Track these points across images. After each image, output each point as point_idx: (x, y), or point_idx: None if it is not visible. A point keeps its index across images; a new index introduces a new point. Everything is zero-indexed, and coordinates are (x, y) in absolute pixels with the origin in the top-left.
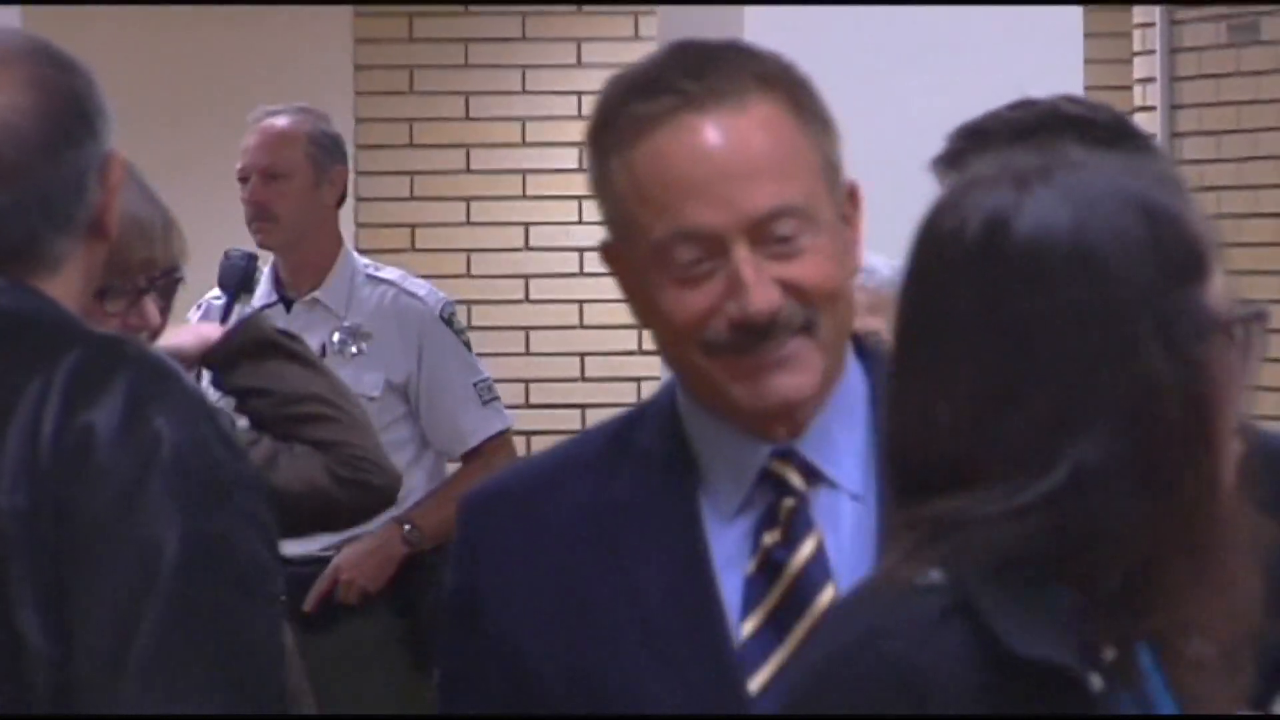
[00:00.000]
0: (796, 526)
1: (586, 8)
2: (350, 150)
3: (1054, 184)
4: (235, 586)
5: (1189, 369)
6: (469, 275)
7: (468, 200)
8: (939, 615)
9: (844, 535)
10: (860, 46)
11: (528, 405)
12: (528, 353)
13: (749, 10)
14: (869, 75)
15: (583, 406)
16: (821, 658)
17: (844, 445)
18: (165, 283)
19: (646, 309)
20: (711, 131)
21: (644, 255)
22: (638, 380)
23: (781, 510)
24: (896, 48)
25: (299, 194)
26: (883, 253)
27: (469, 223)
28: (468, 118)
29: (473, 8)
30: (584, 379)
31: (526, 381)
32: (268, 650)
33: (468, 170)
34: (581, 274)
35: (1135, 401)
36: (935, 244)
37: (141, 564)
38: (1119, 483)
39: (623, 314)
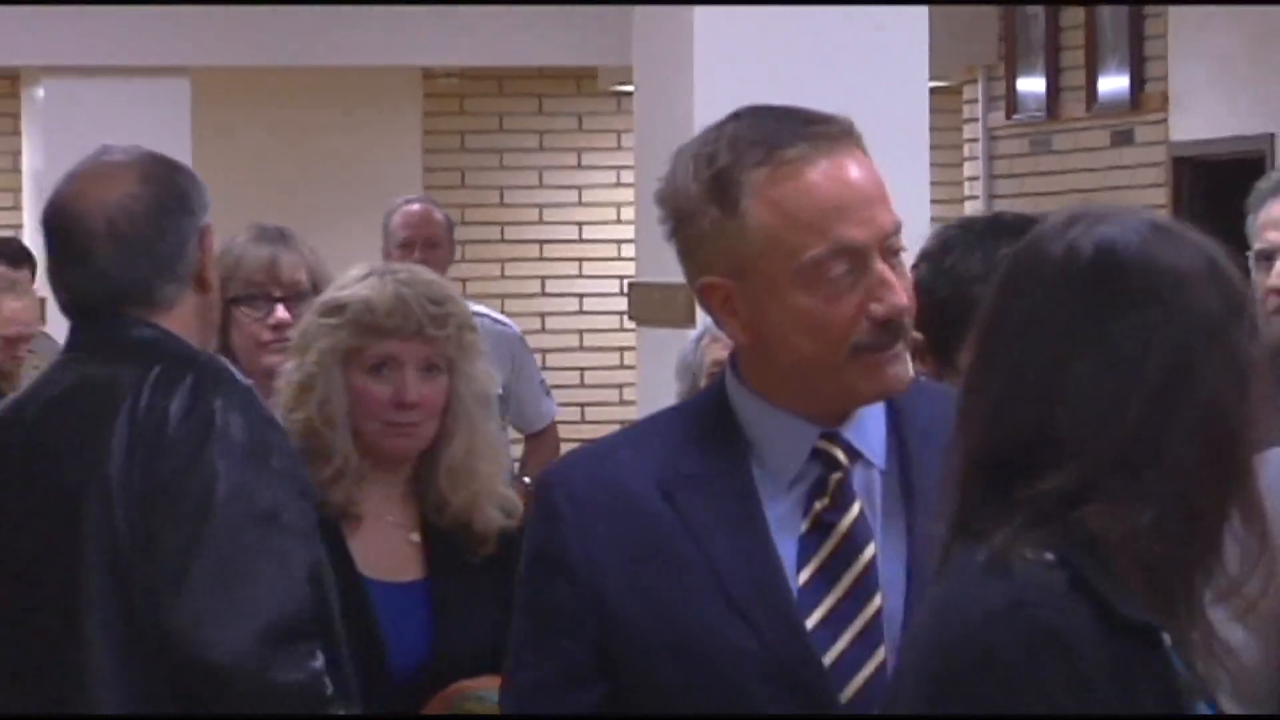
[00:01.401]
0: (844, 495)
1: (624, 105)
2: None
3: (1134, 223)
4: (265, 521)
5: (1241, 389)
6: (543, 294)
7: (540, 243)
8: (1068, 587)
9: (876, 502)
10: None
11: (582, 421)
12: (581, 348)
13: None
14: None
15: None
16: (966, 625)
17: (872, 429)
18: (294, 296)
19: (783, 324)
20: (848, 166)
21: (787, 277)
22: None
23: (831, 482)
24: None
25: (444, 255)
26: None
27: (541, 258)
28: (542, 184)
29: (546, 106)
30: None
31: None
32: (289, 565)
33: (540, 222)
34: (620, 294)
35: (1201, 416)
36: (1040, 268)
37: (196, 507)
38: (1186, 484)
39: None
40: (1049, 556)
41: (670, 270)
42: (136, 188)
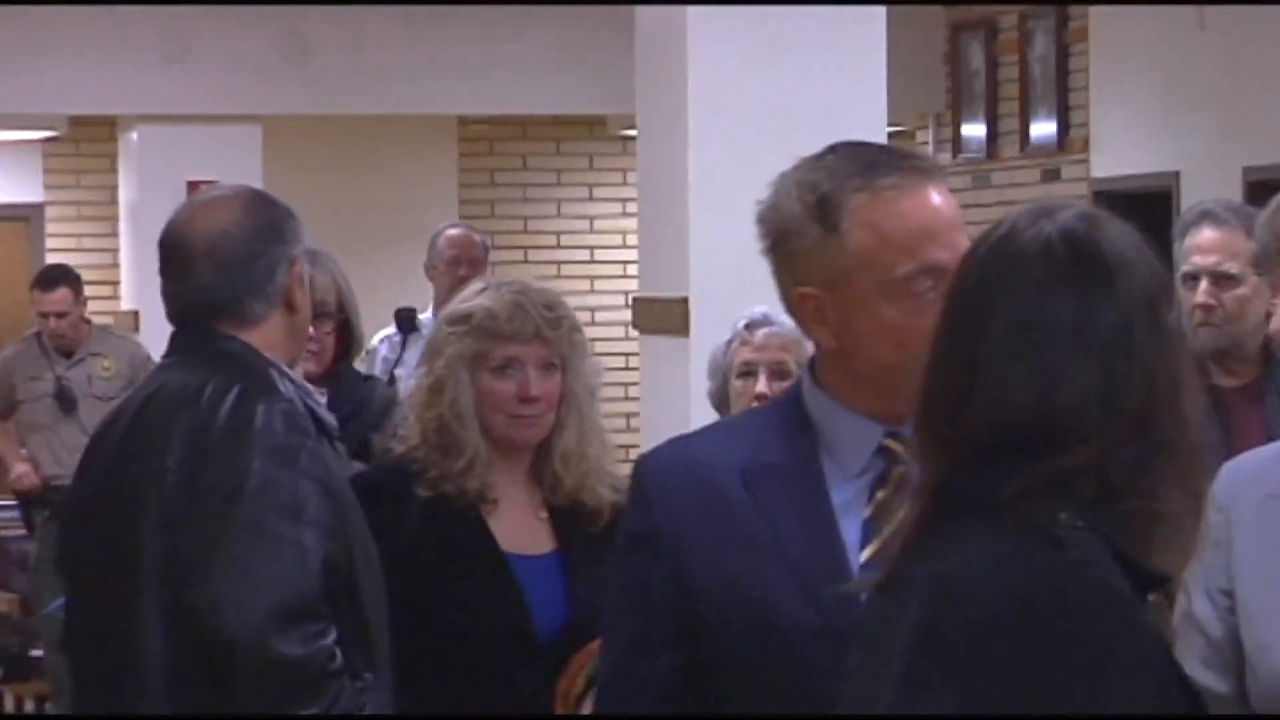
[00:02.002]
0: (904, 487)
1: (628, 148)
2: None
3: (1090, 216)
4: (288, 514)
5: (1179, 355)
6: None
7: (557, 264)
8: (1104, 546)
9: None
10: None
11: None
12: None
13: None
14: None
15: None
16: (1022, 591)
17: None
18: (320, 315)
19: (870, 332)
20: (936, 196)
21: (877, 291)
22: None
23: (894, 474)
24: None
25: (481, 272)
26: None
27: (558, 276)
28: (559, 214)
29: (562, 148)
30: None
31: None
32: (304, 553)
33: (558, 246)
34: (625, 307)
35: (1144, 382)
36: (1018, 258)
37: (228, 495)
38: (1148, 436)
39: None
40: (1079, 522)
41: (666, 287)
42: (238, 216)
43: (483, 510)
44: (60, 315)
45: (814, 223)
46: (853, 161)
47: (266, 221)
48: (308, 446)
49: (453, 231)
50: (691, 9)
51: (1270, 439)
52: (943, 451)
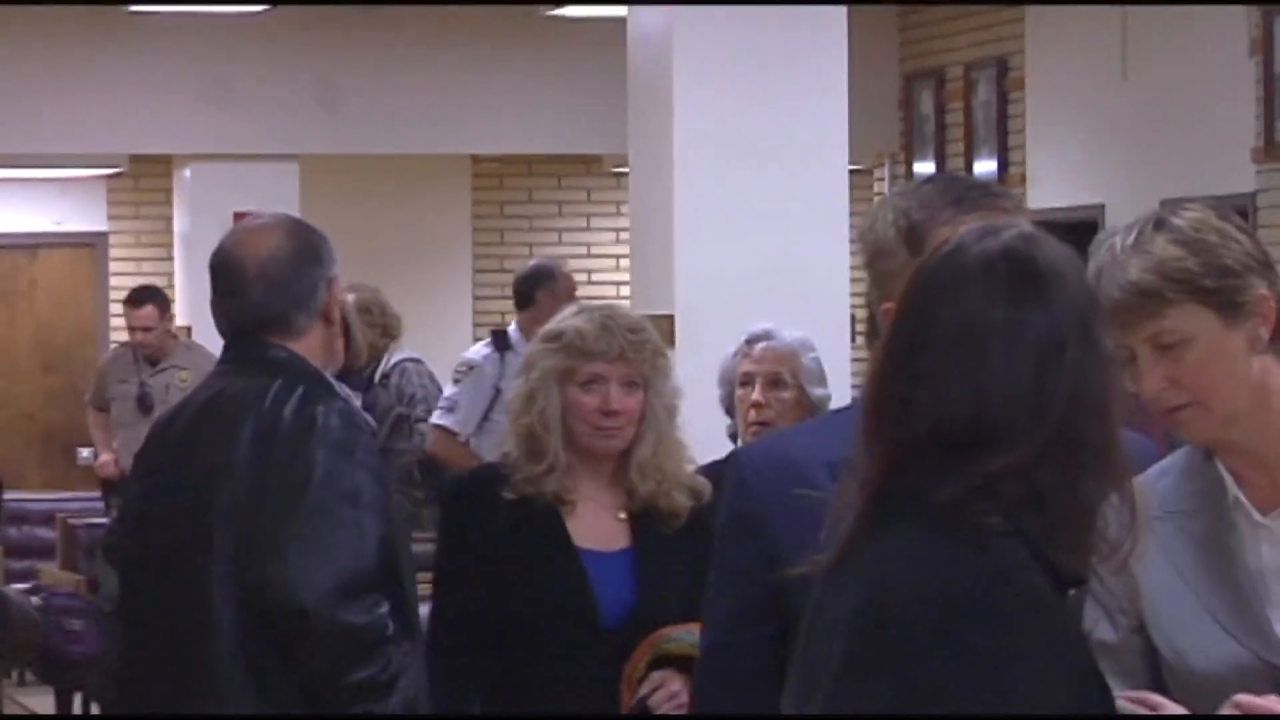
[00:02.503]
0: None
1: (621, 183)
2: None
3: (1030, 235)
4: (348, 499)
5: (1110, 370)
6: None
7: None
8: (1030, 552)
9: None
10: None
11: None
12: None
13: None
14: None
15: None
16: (949, 593)
17: None
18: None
19: None
20: None
21: None
22: None
23: None
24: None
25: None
26: None
27: None
28: (560, 242)
29: (563, 183)
30: None
31: None
32: (364, 534)
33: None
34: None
35: (1073, 391)
36: (961, 273)
37: (295, 486)
38: (1091, 454)
39: None
40: (1005, 525)
41: (655, 305)
42: (282, 241)
43: (561, 510)
44: (146, 329)
45: (903, 246)
46: (945, 194)
47: (307, 245)
48: (362, 440)
49: (566, 270)
50: (676, 63)
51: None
52: (884, 452)
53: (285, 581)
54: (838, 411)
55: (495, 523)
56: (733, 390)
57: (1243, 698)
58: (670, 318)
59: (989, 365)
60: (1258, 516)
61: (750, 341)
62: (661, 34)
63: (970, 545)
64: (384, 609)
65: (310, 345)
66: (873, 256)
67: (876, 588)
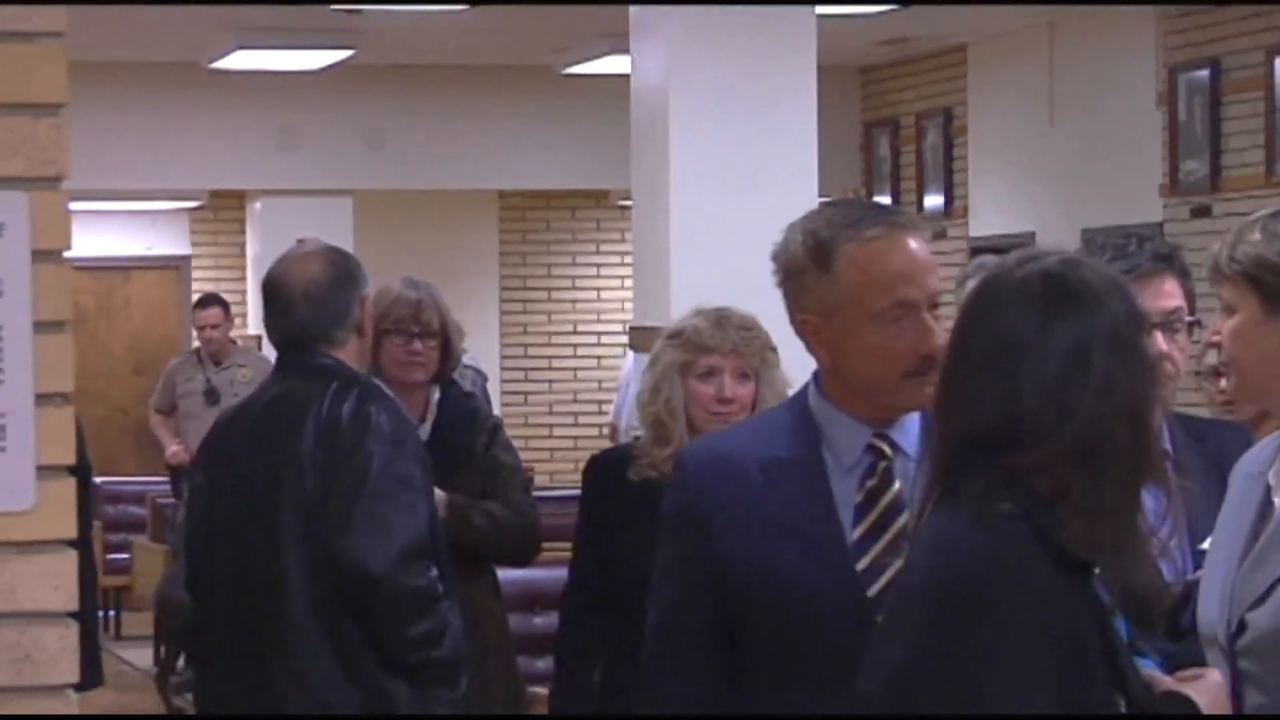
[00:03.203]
0: (888, 478)
1: (625, 214)
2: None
3: (1070, 259)
4: (402, 484)
5: (1148, 379)
6: (574, 333)
7: (573, 301)
8: (1035, 533)
9: (909, 484)
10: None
11: (598, 412)
12: (598, 367)
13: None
14: None
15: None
16: (964, 564)
17: (910, 431)
18: (427, 333)
19: (858, 353)
20: (914, 244)
21: (863, 320)
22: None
23: (879, 468)
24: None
25: None
26: None
27: (574, 311)
28: (574, 263)
29: (576, 214)
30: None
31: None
32: (416, 511)
33: (573, 288)
34: (623, 333)
35: (1124, 401)
36: (1001, 293)
37: (358, 475)
38: (1103, 445)
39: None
40: (1017, 512)
41: (653, 317)
42: (323, 267)
43: None
44: (213, 327)
45: (813, 263)
46: (848, 215)
47: (344, 270)
48: (410, 434)
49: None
50: (672, 111)
51: None
52: (941, 450)
53: (356, 554)
54: (773, 411)
55: (625, 503)
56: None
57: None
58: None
59: (1020, 372)
60: (1275, 496)
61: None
62: (659, 87)
63: (976, 528)
64: (434, 572)
65: (349, 353)
66: (786, 274)
67: (906, 568)
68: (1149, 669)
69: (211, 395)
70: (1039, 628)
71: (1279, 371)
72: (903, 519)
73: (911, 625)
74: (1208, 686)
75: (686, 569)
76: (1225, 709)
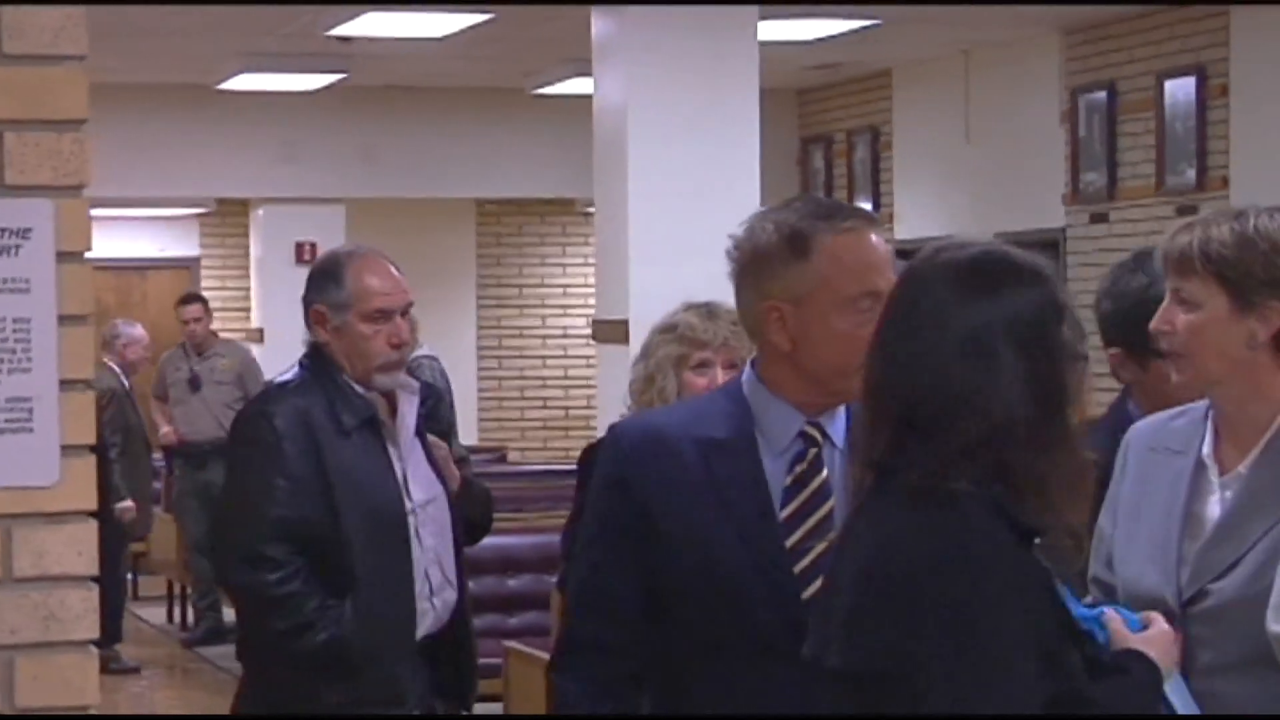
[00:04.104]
0: (817, 464)
1: (589, 220)
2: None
3: (995, 248)
4: (235, 473)
5: (1066, 364)
6: (543, 325)
7: (542, 298)
8: (989, 507)
9: (835, 472)
10: None
11: (566, 396)
12: (565, 356)
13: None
14: None
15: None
16: (929, 551)
17: (839, 422)
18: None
19: (823, 340)
20: (877, 238)
21: (833, 307)
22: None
23: (809, 454)
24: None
25: None
26: None
27: (542, 305)
28: (543, 264)
29: (545, 220)
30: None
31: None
32: (250, 502)
33: (542, 286)
34: (587, 326)
35: (1025, 377)
36: (927, 277)
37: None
38: (1033, 426)
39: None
40: (966, 485)
41: (614, 312)
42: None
43: None
44: (195, 320)
45: (787, 250)
46: (820, 208)
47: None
48: (254, 419)
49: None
50: (630, 128)
51: None
52: (874, 432)
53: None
54: (707, 395)
55: None
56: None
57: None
58: (625, 322)
59: (943, 354)
60: (1213, 476)
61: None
62: (619, 106)
63: (943, 508)
64: (286, 569)
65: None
66: (751, 261)
67: (874, 552)
68: (1119, 618)
69: (194, 383)
70: (1019, 592)
71: (1236, 367)
72: (829, 504)
73: (904, 604)
74: (1156, 637)
75: (615, 535)
76: (1174, 657)
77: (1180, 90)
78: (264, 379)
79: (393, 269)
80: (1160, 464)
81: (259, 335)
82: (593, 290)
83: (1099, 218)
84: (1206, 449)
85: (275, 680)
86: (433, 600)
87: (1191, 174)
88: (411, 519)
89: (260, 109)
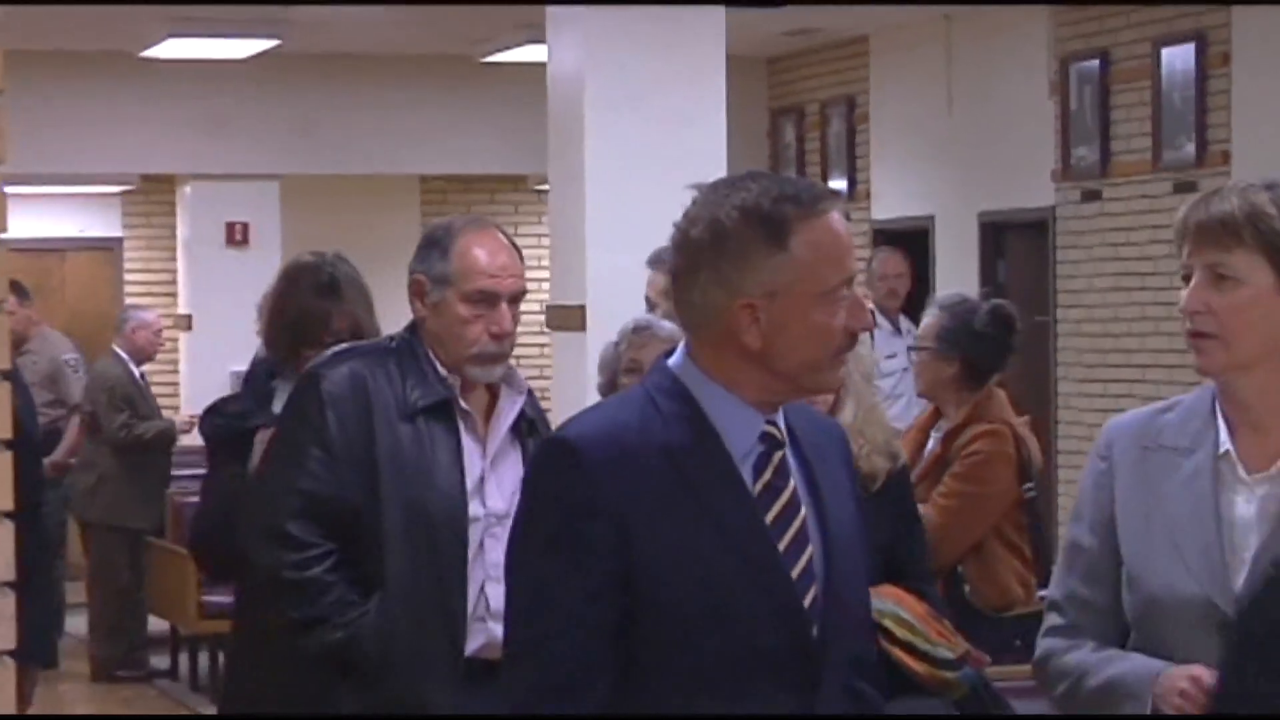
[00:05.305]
0: (784, 468)
1: (542, 198)
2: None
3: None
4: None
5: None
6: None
7: None
8: None
9: (795, 474)
10: None
11: None
12: (518, 344)
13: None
14: None
15: None
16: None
17: (781, 418)
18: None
19: (802, 335)
20: (841, 218)
21: (812, 299)
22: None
23: (774, 458)
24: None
25: None
26: None
27: None
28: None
29: (495, 198)
30: None
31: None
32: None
33: None
34: (541, 312)
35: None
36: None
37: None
38: None
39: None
40: None
41: (570, 297)
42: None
43: None
44: (10, 314)
45: (761, 240)
46: (785, 187)
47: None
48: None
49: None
50: (587, 99)
51: None
52: None
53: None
54: (641, 398)
55: None
56: (614, 378)
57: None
58: (582, 307)
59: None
60: (1242, 473)
61: (637, 331)
62: (575, 75)
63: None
64: (309, 551)
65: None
66: (714, 252)
67: None
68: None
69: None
70: None
71: (1273, 351)
72: (801, 515)
73: None
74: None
75: (590, 561)
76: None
77: (1178, 59)
78: (79, 385)
79: (509, 247)
80: (1164, 463)
81: (187, 322)
82: (546, 273)
83: (1091, 195)
84: (1226, 444)
85: (273, 678)
86: (488, 623)
87: (1190, 149)
88: (476, 526)
89: (188, 78)
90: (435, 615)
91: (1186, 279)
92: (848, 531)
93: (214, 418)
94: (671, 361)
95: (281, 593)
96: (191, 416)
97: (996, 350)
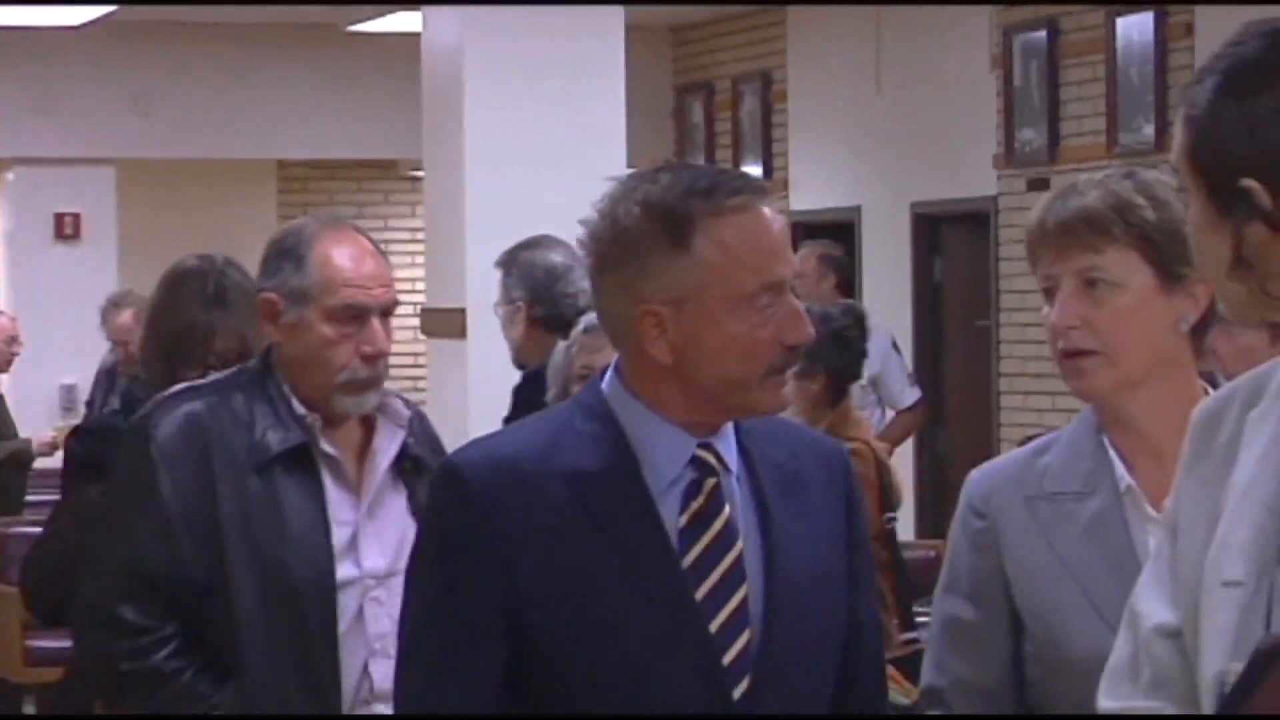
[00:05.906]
0: (717, 498)
1: (416, 186)
2: None
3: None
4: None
5: None
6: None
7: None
8: None
9: (736, 505)
10: None
11: None
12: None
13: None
14: None
15: None
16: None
17: (730, 440)
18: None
19: (716, 348)
20: (771, 214)
21: (725, 307)
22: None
23: (706, 485)
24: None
25: None
26: None
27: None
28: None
29: (362, 186)
30: None
31: None
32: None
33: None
34: (415, 315)
35: None
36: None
37: None
38: None
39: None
40: None
41: (448, 299)
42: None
43: None
44: None
45: (663, 241)
46: (698, 179)
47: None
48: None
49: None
50: (467, 74)
51: None
52: None
53: None
54: (555, 416)
55: None
56: (566, 386)
57: None
58: (462, 311)
59: None
60: (1150, 510)
61: (588, 332)
62: (453, 47)
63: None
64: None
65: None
66: (619, 256)
67: None
68: None
69: None
70: None
71: (1161, 362)
72: (735, 550)
73: None
74: None
75: (472, 602)
76: None
77: (1135, 29)
78: None
79: (375, 253)
80: (1055, 513)
81: (13, 324)
82: (421, 272)
83: (1038, 184)
84: (1125, 479)
85: None
86: (374, 706)
87: (1149, 130)
88: (350, 591)
89: (10, 49)
90: (305, 704)
91: (1049, 293)
92: (807, 569)
93: (90, 439)
94: (606, 376)
95: (116, 685)
96: (54, 436)
97: (855, 358)
